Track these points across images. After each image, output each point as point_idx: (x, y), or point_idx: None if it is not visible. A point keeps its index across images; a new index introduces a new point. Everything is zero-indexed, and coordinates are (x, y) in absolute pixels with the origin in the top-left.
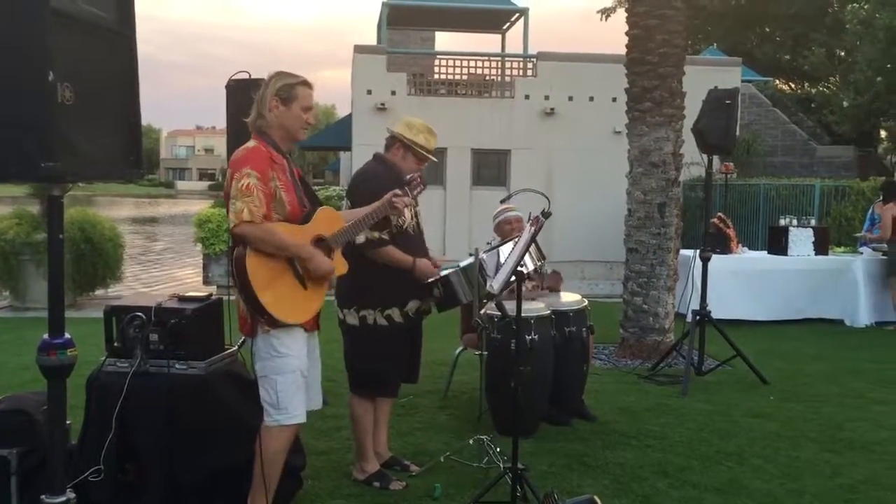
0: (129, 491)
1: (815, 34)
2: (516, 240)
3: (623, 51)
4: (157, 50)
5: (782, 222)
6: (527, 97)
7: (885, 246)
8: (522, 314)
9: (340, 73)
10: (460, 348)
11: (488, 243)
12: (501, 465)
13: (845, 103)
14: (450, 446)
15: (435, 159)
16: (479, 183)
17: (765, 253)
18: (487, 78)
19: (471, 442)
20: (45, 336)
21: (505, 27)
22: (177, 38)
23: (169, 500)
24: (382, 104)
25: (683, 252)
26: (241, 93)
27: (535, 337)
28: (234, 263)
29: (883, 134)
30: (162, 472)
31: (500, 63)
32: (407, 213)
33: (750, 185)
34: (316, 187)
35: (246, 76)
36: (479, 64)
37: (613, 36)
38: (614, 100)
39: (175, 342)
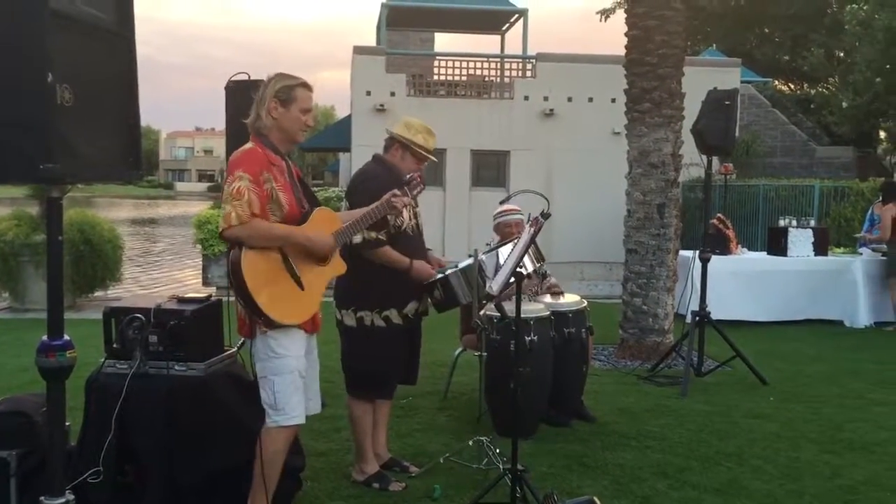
0: (129, 492)
1: (815, 35)
2: (515, 241)
3: (622, 52)
4: (157, 51)
5: (782, 223)
6: (526, 98)
7: (885, 246)
8: (522, 315)
9: (340, 74)
10: (460, 349)
11: (487, 244)
12: (501, 467)
13: (844, 104)
14: (449, 447)
15: (434, 159)
16: (479, 184)
17: (764, 254)
18: (487, 79)
19: (470, 443)
20: (44, 338)
21: (504, 28)
22: (176, 39)
23: (168, 502)
24: (382, 105)
25: (683, 253)
26: (241, 94)
27: (535, 338)
28: (229, 266)
29: (882, 135)
30: (161, 474)
31: (499, 64)
32: (405, 214)
33: (749, 186)
34: (315, 188)
35: (245, 77)
36: (479, 65)
37: (613, 37)
38: (613, 101)
39: (174, 343)
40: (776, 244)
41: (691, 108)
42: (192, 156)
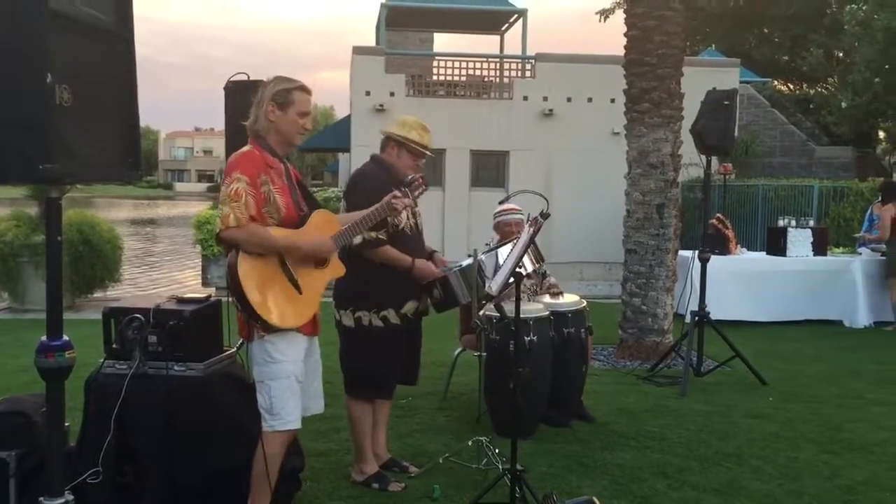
0: (128, 493)
1: (814, 35)
2: (515, 241)
3: (621, 52)
4: (156, 51)
5: (781, 223)
6: (525, 98)
7: (884, 246)
8: (521, 315)
9: (339, 74)
10: (459, 349)
11: (487, 244)
12: (500, 467)
13: (844, 104)
14: (448, 447)
15: (430, 153)
16: (478, 184)
17: (763, 254)
18: (486, 79)
19: (470, 443)
20: (44, 338)
21: (503, 28)
22: (175, 39)
23: (168, 502)
24: (381, 105)
25: (682, 253)
26: (240, 94)
27: (534, 338)
28: (227, 269)
29: (881, 135)
30: (160, 474)
31: (498, 64)
32: (403, 214)
33: (748, 186)
34: (314, 189)
35: (244, 78)
36: (478, 65)
37: (612, 37)
38: (613, 101)
39: (174, 344)
40: (775, 244)
41: (690, 109)
42: (191, 156)
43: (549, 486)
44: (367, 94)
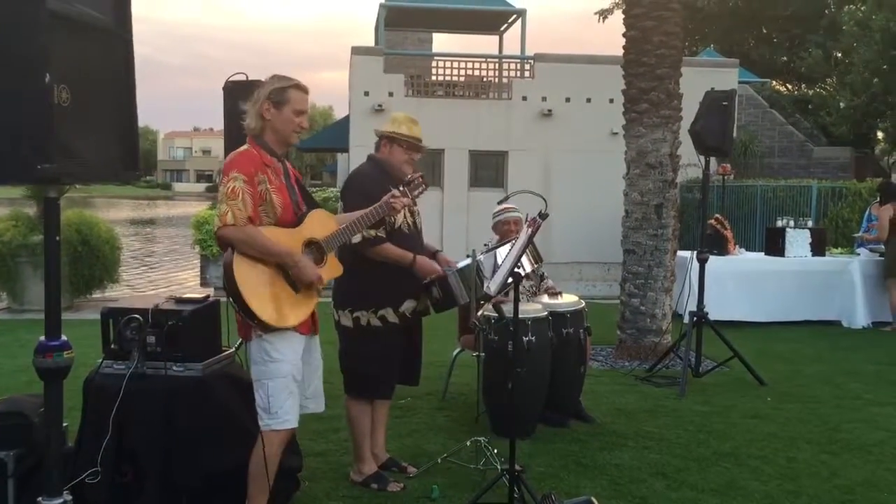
0: (126, 493)
1: (812, 36)
2: (513, 241)
3: (620, 52)
4: (155, 51)
5: (779, 223)
6: (524, 98)
7: (883, 247)
8: (519, 316)
9: (338, 74)
10: (458, 349)
11: (485, 245)
12: (499, 467)
13: (842, 105)
14: (447, 448)
15: (422, 144)
16: (477, 184)
17: (762, 254)
18: (485, 79)
19: (468, 443)
20: (42, 338)
21: (502, 28)
22: (174, 39)
23: (166, 502)
24: (380, 105)
25: (681, 253)
26: (239, 94)
27: (533, 338)
28: (223, 269)
29: (880, 135)
30: (159, 474)
31: (497, 64)
32: (400, 213)
33: (747, 187)
34: (313, 188)
35: (243, 78)
36: (477, 65)
37: (611, 37)
38: (611, 101)
39: (172, 344)
40: (774, 245)
41: (689, 109)
42: (190, 156)
43: (548, 486)
44: (366, 94)
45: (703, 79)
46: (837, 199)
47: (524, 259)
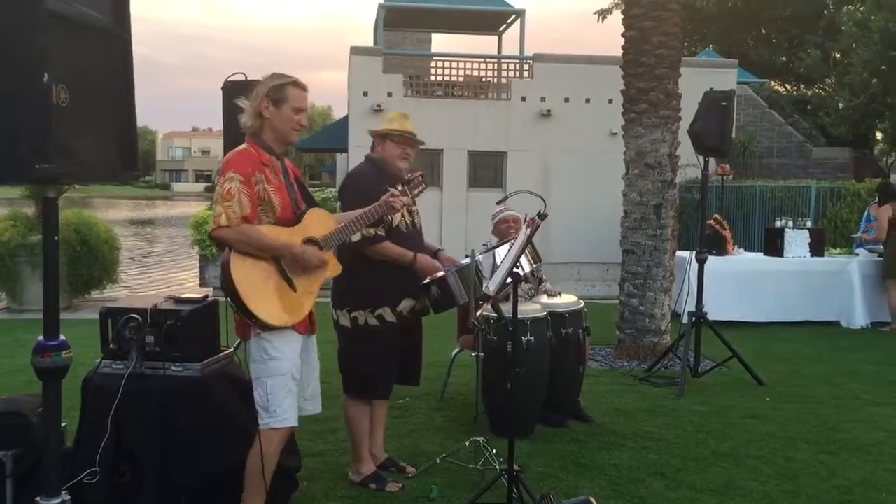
0: (125, 493)
1: (811, 36)
2: (512, 241)
3: (619, 52)
4: (153, 51)
5: (778, 224)
6: (523, 99)
7: (881, 247)
8: (518, 316)
9: (337, 74)
10: (457, 349)
11: (484, 245)
12: (498, 467)
13: (841, 105)
14: (446, 448)
15: (415, 137)
16: (476, 185)
17: (761, 254)
18: (484, 79)
19: (467, 443)
20: (41, 338)
21: (501, 29)
22: (173, 39)
23: (165, 502)
24: (379, 106)
25: (680, 253)
26: (238, 94)
27: (532, 338)
28: (220, 268)
29: (878, 135)
30: (157, 474)
31: (496, 65)
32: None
33: (746, 187)
34: (312, 188)
35: (242, 78)
36: (476, 65)
37: (610, 38)
38: (610, 101)
39: (171, 344)
40: (773, 245)
41: (688, 109)
42: (189, 156)
43: (547, 486)
44: (365, 94)
45: (701, 79)
46: (836, 200)
47: (523, 259)
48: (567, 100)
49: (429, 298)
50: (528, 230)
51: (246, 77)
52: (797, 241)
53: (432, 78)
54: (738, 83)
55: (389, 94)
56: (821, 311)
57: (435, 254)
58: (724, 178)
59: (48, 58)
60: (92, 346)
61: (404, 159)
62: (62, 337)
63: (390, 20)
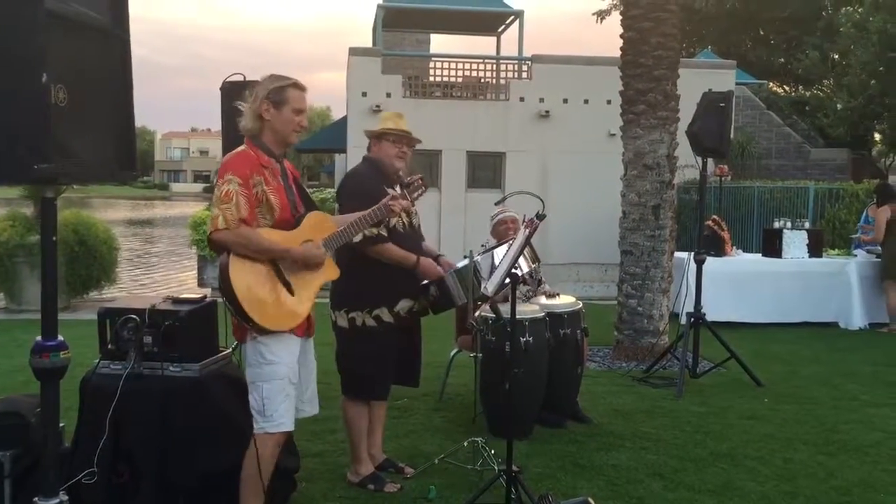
0: (123, 493)
1: (809, 37)
2: (511, 242)
3: (618, 53)
4: (152, 52)
5: (776, 225)
6: (522, 99)
7: (879, 248)
8: (516, 316)
9: (336, 75)
10: (455, 350)
11: (483, 245)
12: (496, 468)
13: (839, 106)
14: (444, 448)
15: (410, 135)
16: (474, 185)
17: (759, 255)
18: (482, 80)
19: (465, 444)
20: (39, 338)
21: (500, 29)
22: (171, 39)
23: (162, 502)
24: (378, 106)
25: (678, 254)
26: (236, 95)
27: (530, 339)
28: (218, 271)
29: (877, 137)
30: (155, 474)
31: (495, 65)
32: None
33: (744, 188)
34: (311, 189)
35: (240, 78)
36: (474, 66)
37: (608, 38)
38: (609, 102)
39: (169, 344)
40: (771, 246)
41: (686, 110)
42: (187, 156)
43: (545, 487)
44: (364, 94)
45: (700, 80)
46: (834, 201)
47: (521, 260)
48: (566, 100)
49: (427, 299)
50: (527, 231)
51: (244, 77)
52: (795, 242)
53: (431, 79)
54: (737, 84)
55: (388, 95)
56: (819, 312)
57: (436, 259)
58: (723, 179)
59: (46, 58)
60: (90, 347)
61: (401, 158)
62: (60, 337)
63: (389, 21)
